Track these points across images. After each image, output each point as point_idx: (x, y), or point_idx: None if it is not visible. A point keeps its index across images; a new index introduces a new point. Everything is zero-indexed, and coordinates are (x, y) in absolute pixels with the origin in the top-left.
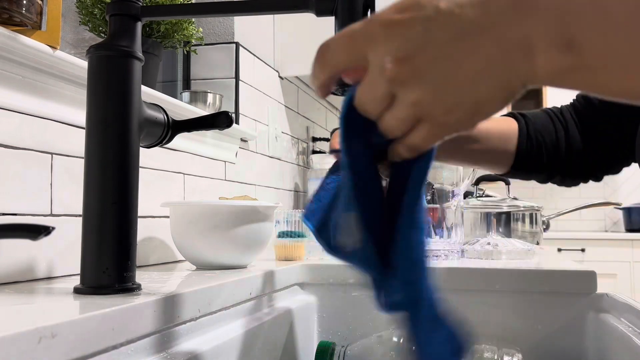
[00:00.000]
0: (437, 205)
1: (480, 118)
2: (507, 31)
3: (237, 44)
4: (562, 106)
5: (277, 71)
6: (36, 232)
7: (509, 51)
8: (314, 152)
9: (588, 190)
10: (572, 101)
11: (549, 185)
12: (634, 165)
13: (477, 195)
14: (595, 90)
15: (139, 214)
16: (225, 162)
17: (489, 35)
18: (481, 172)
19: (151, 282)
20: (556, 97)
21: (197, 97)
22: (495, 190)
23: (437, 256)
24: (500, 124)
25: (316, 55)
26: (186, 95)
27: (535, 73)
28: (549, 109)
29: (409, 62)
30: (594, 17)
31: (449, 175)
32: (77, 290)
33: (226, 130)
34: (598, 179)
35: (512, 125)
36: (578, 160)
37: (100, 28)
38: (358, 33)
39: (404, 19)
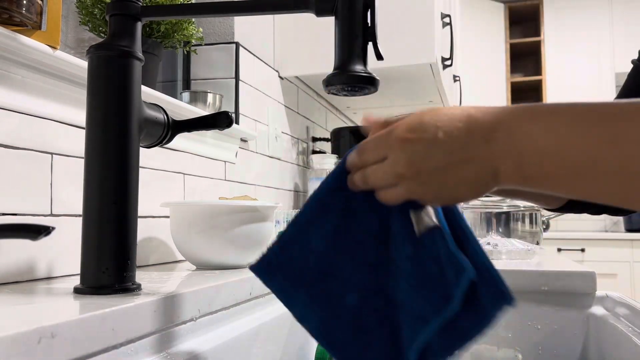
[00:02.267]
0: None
1: (453, 203)
2: (481, 161)
3: (237, 44)
4: None
5: (277, 71)
6: (36, 232)
7: (482, 174)
8: (314, 152)
9: None
10: None
11: None
12: None
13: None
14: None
15: (139, 214)
16: (225, 162)
17: (469, 161)
18: None
19: (151, 282)
20: (556, 97)
21: (197, 97)
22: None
23: None
24: None
25: (356, 153)
26: (186, 95)
27: (499, 186)
28: None
29: (413, 167)
30: (542, 162)
31: None
32: (77, 290)
33: (226, 130)
34: None
35: None
36: None
37: (100, 28)
38: (382, 143)
39: (412, 138)
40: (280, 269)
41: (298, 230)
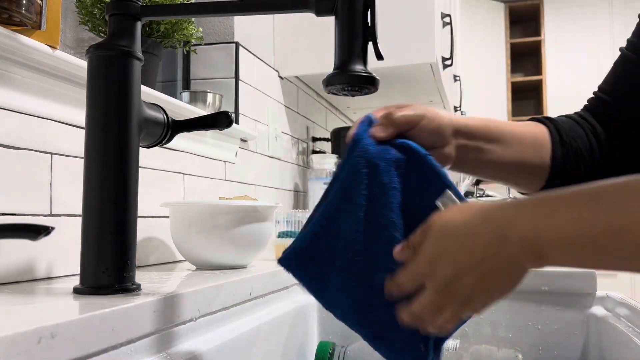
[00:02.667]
0: None
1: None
2: (509, 264)
3: (237, 44)
4: (578, 112)
5: (277, 71)
6: (36, 232)
7: (513, 273)
8: (314, 152)
9: None
10: (585, 105)
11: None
12: None
13: (477, 195)
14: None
15: (139, 214)
16: (225, 162)
17: (498, 269)
18: None
19: (151, 282)
20: (556, 96)
21: (197, 97)
22: (495, 190)
23: None
24: (530, 129)
25: (394, 285)
26: (186, 95)
27: (525, 272)
28: (568, 115)
29: (451, 297)
30: (557, 242)
31: (449, 176)
32: (77, 290)
33: (226, 130)
34: None
35: (542, 130)
36: (613, 166)
37: (100, 28)
38: (417, 278)
39: (442, 273)
40: (312, 258)
41: (327, 219)
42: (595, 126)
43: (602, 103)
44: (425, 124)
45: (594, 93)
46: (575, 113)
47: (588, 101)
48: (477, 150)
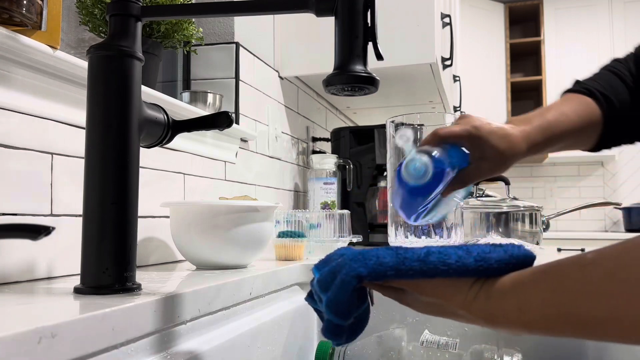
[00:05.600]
0: None
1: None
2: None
3: (237, 44)
4: (622, 58)
5: (277, 71)
6: (36, 232)
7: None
8: (314, 152)
9: (588, 190)
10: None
11: (549, 185)
12: (634, 165)
13: (477, 195)
14: None
15: (139, 214)
16: (225, 162)
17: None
18: None
19: (151, 282)
20: (556, 96)
21: (197, 97)
22: (495, 190)
23: None
24: (585, 119)
25: None
26: (186, 95)
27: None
28: (612, 68)
29: None
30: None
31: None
32: (77, 290)
33: (226, 130)
34: None
35: (595, 112)
36: None
37: (100, 28)
38: None
39: None
40: None
41: None
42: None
43: None
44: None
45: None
46: (619, 66)
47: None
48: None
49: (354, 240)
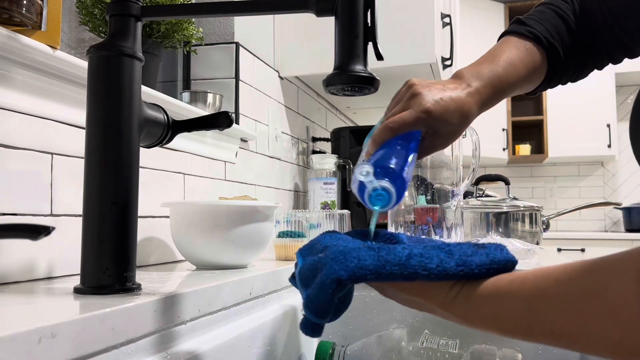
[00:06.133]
0: (437, 205)
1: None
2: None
3: (237, 44)
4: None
5: (277, 71)
6: (36, 232)
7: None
8: (314, 152)
9: (588, 191)
10: None
11: (549, 185)
12: (634, 165)
13: (477, 195)
14: None
15: (139, 214)
16: (225, 162)
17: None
18: (481, 172)
19: (151, 282)
20: (556, 96)
21: (197, 97)
22: (495, 190)
23: None
24: (529, 64)
25: None
26: (186, 95)
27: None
28: (557, 7)
29: None
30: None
31: (449, 175)
32: (77, 290)
33: (226, 130)
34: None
35: (539, 59)
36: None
37: (100, 28)
38: None
39: None
40: None
41: None
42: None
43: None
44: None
45: None
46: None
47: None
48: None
49: None
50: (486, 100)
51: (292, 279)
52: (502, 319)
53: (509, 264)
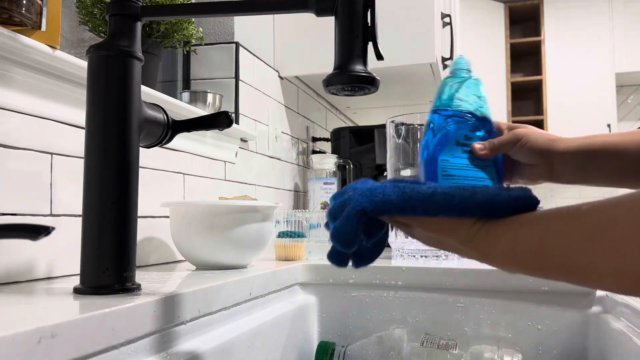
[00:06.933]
0: None
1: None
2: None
3: (237, 44)
4: None
5: (277, 71)
6: (36, 232)
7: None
8: (314, 152)
9: (588, 191)
10: None
11: (549, 185)
12: None
13: None
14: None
15: (139, 214)
16: (225, 162)
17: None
18: None
19: (151, 282)
20: (556, 96)
21: (197, 97)
22: None
23: (437, 256)
24: (636, 137)
25: None
26: (186, 95)
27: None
28: None
29: None
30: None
31: None
32: (77, 291)
33: (226, 130)
34: None
35: None
36: None
37: (100, 28)
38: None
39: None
40: None
41: None
42: None
43: None
44: (520, 145)
45: None
46: None
47: None
48: (576, 168)
49: None
50: (570, 144)
51: (326, 225)
52: (519, 253)
53: (531, 202)
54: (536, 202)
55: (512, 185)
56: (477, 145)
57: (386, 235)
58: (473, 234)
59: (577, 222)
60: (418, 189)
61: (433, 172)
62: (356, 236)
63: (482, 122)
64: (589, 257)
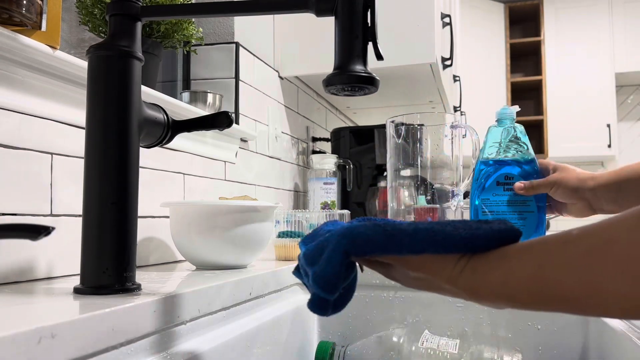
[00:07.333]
0: (437, 205)
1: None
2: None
3: (237, 44)
4: None
5: (277, 71)
6: (36, 232)
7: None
8: (314, 152)
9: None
10: None
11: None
12: None
13: None
14: None
15: (139, 214)
16: (225, 162)
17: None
18: None
19: (151, 282)
20: (556, 97)
21: (197, 97)
22: None
23: None
24: None
25: None
26: (186, 95)
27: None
28: None
29: None
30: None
31: (449, 175)
32: (77, 291)
33: (226, 130)
34: None
35: None
36: None
37: (100, 28)
38: None
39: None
40: None
41: None
42: None
43: None
44: (555, 188)
45: None
46: None
47: None
48: (611, 199)
49: None
50: (600, 179)
51: (296, 271)
52: (511, 286)
53: (514, 234)
54: (518, 233)
55: (492, 219)
56: (518, 184)
57: (355, 279)
58: (458, 271)
59: (571, 245)
60: (399, 227)
61: (474, 211)
62: (340, 279)
63: (522, 164)
64: (588, 282)
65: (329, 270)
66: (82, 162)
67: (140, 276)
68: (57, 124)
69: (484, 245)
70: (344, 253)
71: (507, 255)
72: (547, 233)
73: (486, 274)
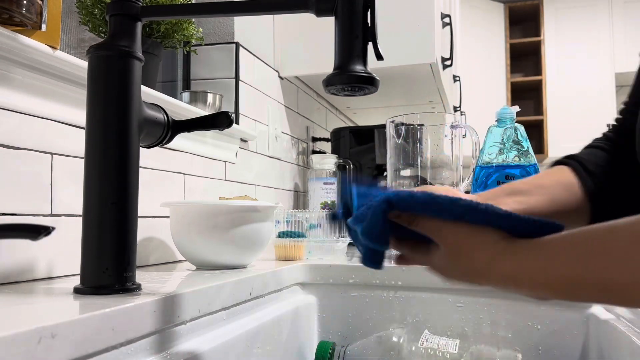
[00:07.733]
0: None
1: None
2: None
3: (237, 44)
4: (605, 133)
5: (277, 71)
6: (36, 232)
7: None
8: (314, 152)
9: None
10: (612, 124)
11: None
12: None
13: None
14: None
15: (139, 214)
16: (225, 162)
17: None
18: None
19: (151, 282)
20: (556, 97)
21: (197, 97)
22: None
23: None
24: (554, 175)
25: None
26: (186, 95)
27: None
28: (591, 144)
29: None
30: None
31: (449, 175)
32: (77, 290)
33: (226, 130)
34: None
35: (565, 170)
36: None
37: (100, 28)
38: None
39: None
40: None
41: None
42: (618, 144)
43: (627, 117)
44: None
45: (619, 110)
46: (601, 138)
47: (615, 120)
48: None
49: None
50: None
51: (350, 231)
52: (551, 273)
53: (556, 225)
54: (561, 226)
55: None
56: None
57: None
58: (497, 252)
59: (614, 235)
60: (443, 196)
61: None
62: (386, 228)
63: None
64: (632, 270)
65: (374, 221)
66: (82, 162)
67: (140, 276)
68: (57, 124)
69: (524, 229)
70: (387, 202)
71: (549, 242)
72: None
73: (527, 258)
